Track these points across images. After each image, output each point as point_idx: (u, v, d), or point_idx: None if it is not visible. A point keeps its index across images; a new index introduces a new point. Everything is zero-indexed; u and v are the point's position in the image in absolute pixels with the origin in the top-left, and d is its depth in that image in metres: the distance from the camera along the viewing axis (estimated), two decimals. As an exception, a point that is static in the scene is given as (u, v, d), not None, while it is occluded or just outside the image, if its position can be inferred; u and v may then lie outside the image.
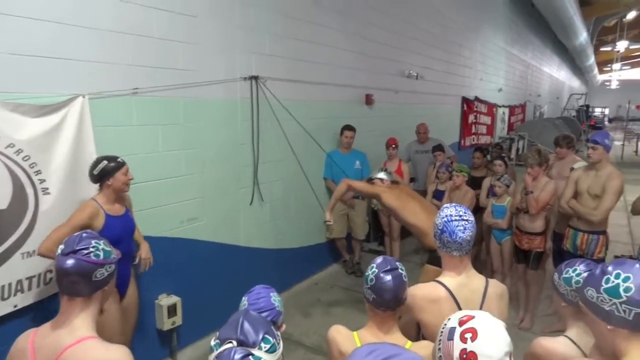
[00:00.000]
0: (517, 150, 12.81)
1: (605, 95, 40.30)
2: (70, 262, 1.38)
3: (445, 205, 1.85)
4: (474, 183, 5.00)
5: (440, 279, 1.85)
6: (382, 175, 3.82)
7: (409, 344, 1.59)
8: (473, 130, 10.85)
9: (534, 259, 4.08)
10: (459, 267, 1.82)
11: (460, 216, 1.77)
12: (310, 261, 5.21)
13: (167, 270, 3.41)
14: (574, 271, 1.68)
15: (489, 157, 5.94)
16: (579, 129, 16.88)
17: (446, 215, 1.78)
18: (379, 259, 1.70)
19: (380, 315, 1.64)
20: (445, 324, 1.17)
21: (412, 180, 5.84)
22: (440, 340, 1.16)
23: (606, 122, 32.94)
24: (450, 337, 1.12)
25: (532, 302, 4.21)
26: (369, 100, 5.94)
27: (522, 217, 4.05)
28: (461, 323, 1.13)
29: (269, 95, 4.10)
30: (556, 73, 23.94)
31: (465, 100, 10.07)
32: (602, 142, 3.62)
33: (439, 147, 5.68)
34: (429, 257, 3.33)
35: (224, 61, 3.68)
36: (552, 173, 4.53)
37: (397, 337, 1.64)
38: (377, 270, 1.65)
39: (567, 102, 24.82)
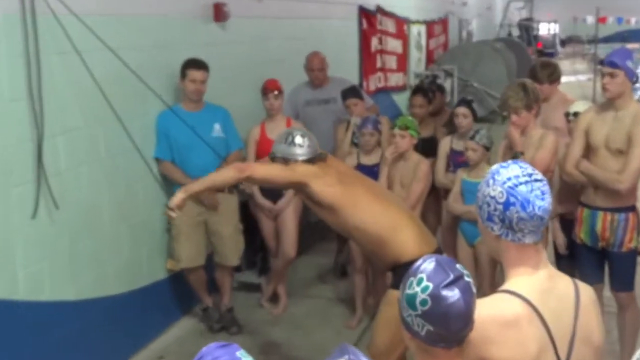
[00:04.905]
0: (446, 94, 13.76)
1: (553, 1, 44.71)
2: None
3: (499, 165, 1.96)
4: (422, 148, 5.21)
5: (509, 286, 1.95)
6: (295, 148, 3.62)
7: None
8: (378, 65, 11.36)
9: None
10: (534, 260, 1.96)
11: (531, 175, 1.91)
12: (145, 316, 5.19)
13: None
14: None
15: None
16: (527, 56, 18.71)
17: (508, 179, 1.90)
18: (428, 264, 1.74)
19: (441, 356, 1.75)
20: None
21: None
22: None
23: (558, 47, 37.09)
24: None
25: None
26: (219, 13, 5.98)
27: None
28: None
29: (57, 8, 4.12)
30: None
31: (363, 12, 10.44)
32: (623, 65, 3.95)
33: (352, 92, 5.83)
34: (393, 277, 3.36)
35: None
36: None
37: None
38: (431, 285, 1.70)
39: (503, 14, 27.35)
